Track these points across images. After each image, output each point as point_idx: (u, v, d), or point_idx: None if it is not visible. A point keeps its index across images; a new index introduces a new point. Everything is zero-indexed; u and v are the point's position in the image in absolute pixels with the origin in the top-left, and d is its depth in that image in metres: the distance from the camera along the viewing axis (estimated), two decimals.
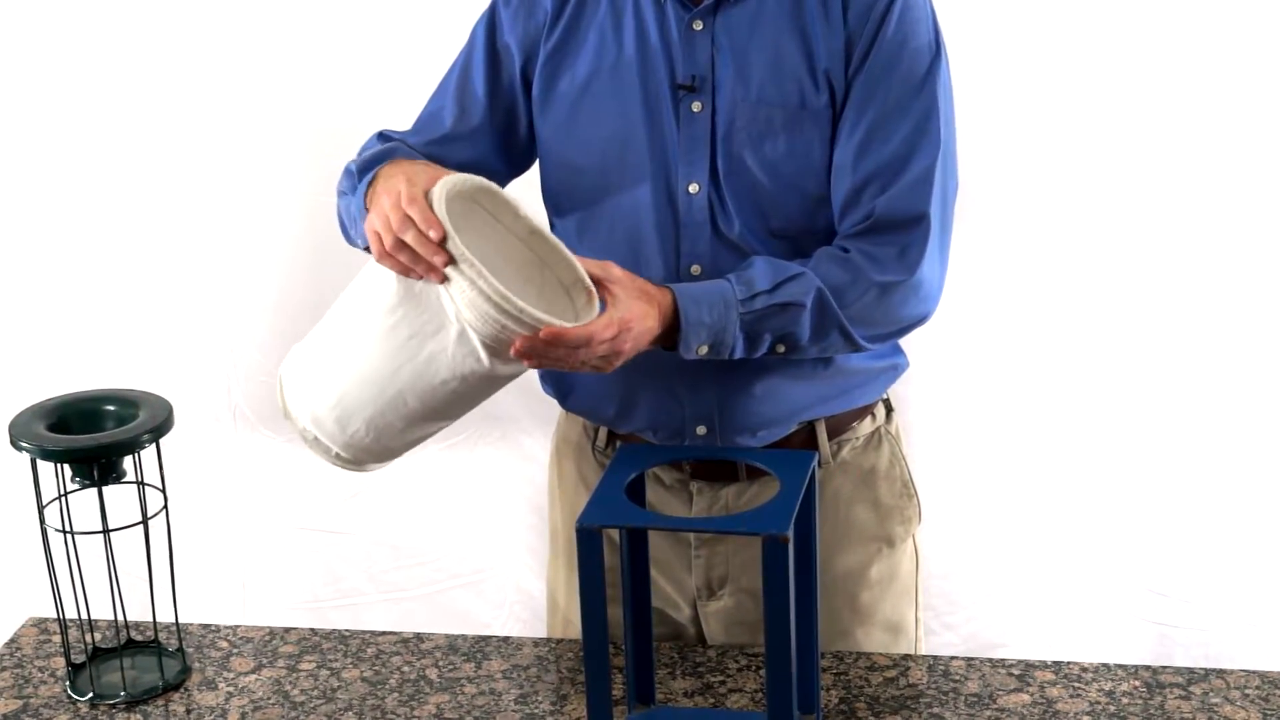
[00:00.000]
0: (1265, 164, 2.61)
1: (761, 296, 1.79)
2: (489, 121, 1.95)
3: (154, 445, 1.85)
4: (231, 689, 1.91)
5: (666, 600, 2.04)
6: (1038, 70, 2.61)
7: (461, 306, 1.65)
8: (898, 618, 2.06)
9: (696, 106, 1.84)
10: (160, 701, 1.89)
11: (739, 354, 1.81)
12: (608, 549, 1.63)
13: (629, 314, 1.71)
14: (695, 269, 1.87)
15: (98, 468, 1.83)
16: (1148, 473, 2.76)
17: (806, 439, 1.97)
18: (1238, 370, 2.71)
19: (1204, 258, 2.67)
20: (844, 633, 2.01)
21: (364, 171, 1.82)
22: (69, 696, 1.90)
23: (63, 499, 1.87)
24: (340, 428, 1.77)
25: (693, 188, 1.86)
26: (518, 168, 2.00)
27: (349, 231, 1.89)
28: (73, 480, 1.85)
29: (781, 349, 1.83)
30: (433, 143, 1.94)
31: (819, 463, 1.97)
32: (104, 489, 1.85)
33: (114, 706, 1.88)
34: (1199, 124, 2.61)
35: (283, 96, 2.73)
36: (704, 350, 1.79)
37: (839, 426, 1.99)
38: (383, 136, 1.95)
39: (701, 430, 1.91)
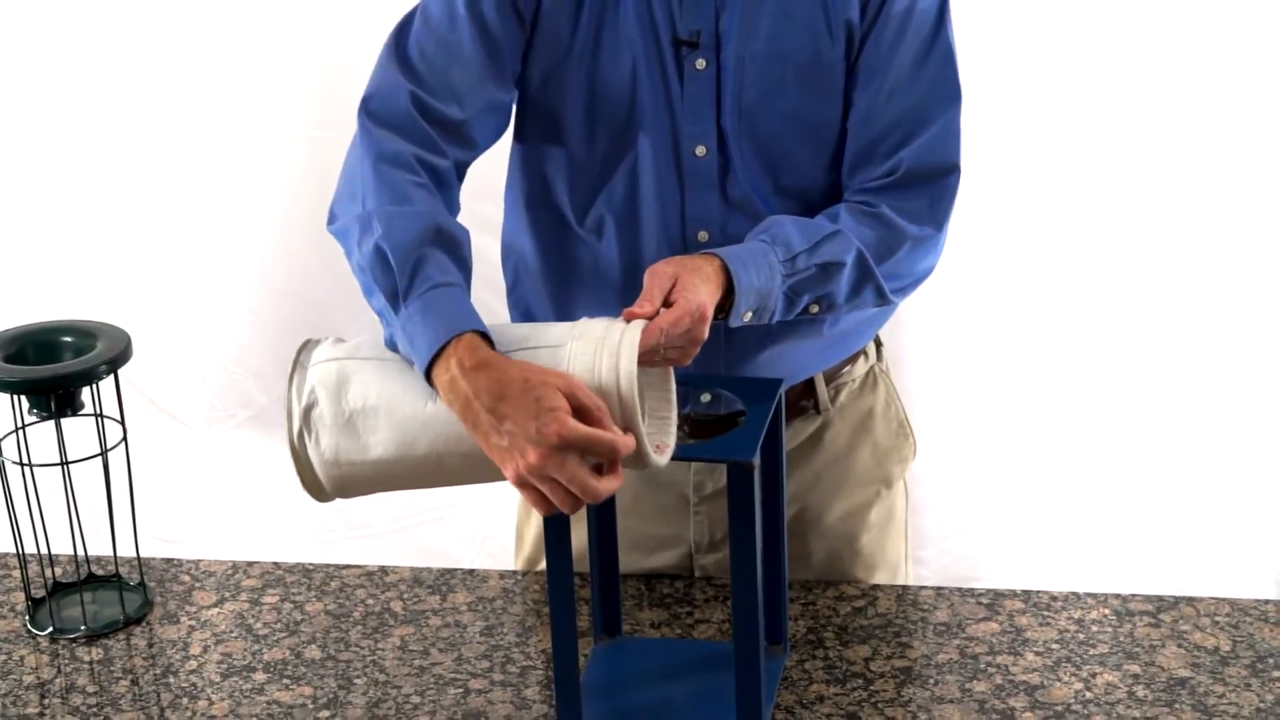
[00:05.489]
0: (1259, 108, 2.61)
1: (802, 257, 1.72)
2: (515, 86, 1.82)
3: (112, 376, 1.83)
4: (194, 622, 1.89)
5: (659, 559, 1.98)
6: (1042, 39, 2.60)
7: None
8: (895, 557, 2.04)
9: (700, 64, 1.78)
10: (121, 635, 1.88)
11: (778, 317, 1.75)
12: None
13: (705, 301, 1.61)
14: (702, 235, 1.81)
15: (55, 399, 1.80)
16: (1120, 401, 2.76)
17: (804, 390, 1.93)
18: (1208, 311, 2.72)
19: (1180, 205, 2.67)
20: (845, 578, 1.98)
21: (412, 285, 1.61)
22: (29, 631, 1.89)
23: (20, 431, 1.85)
24: (354, 479, 1.57)
25: (700, 150, 1.79)
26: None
27: (362, 289, 1.70)
28: (30, 412, 1.83)
29: (816, 309, 1.78)
30: (460, 123, 1.77)
31: (817, 409, 1.95)
32: (62, 421, 1.83)
33: (75, 640, 1.87)
34: (1187, 76, 2.60)
35: (272, 68, 2.70)
36: (748, 317, 1.71)
37: (834, 372, 1.95)
38: (416, 159, 1.73)
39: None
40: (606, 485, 1.47)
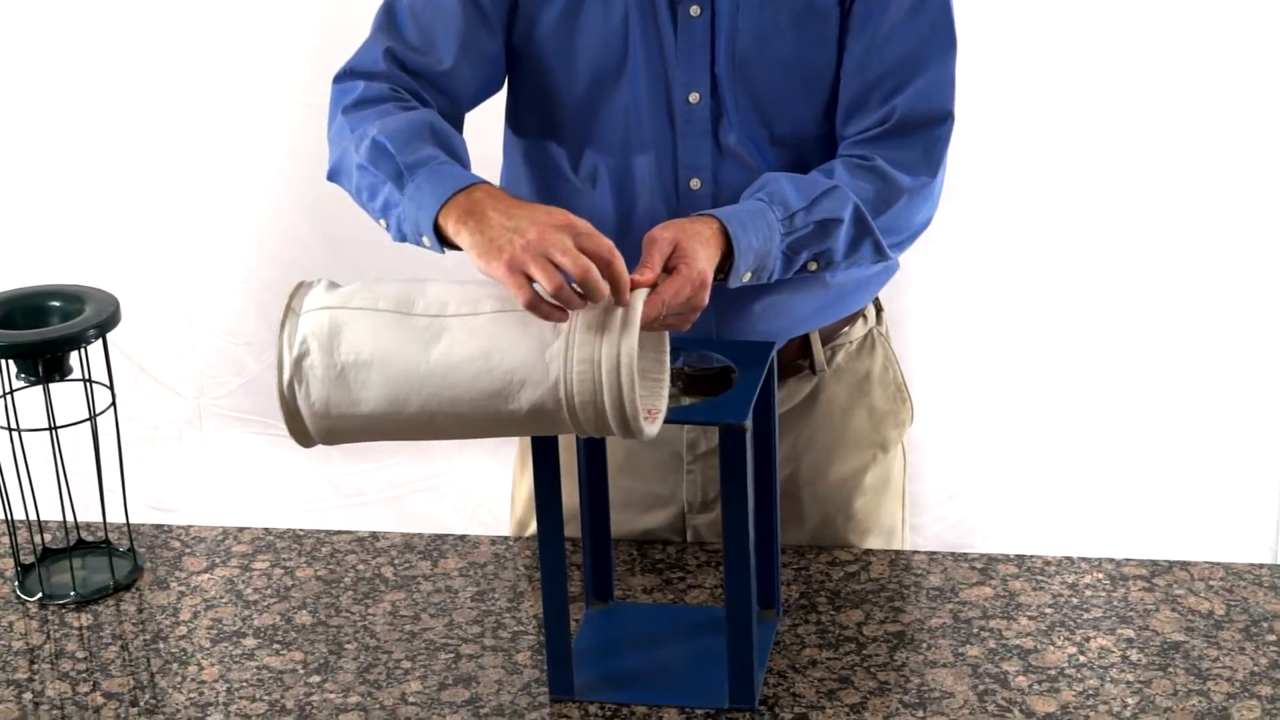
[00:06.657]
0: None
1: (800, 214, 1.71)
2: (505, 35, 1.82)
3: (100, 341, 1.82)
4: (184, 588, 1.89)
5: (652, 518, 1.98)
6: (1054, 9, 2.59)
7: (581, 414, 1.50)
8: (891, 522, 2.03)
9: (694, 10, 1.77)
10: (111, 601, 1.87)
11: (776, 276, 1.73)
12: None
13: (706, 268, 1.61)
14: (695, 183, 1.81)
15: (43, 364, 1.79)
16: (1116, 368, 2.76)
17: (800, 348, 1.92)
18: (1204, 281, 2.72)
19: (1173, 181, 2.68)
20: (839, 541, 1.97)
21: (416, 162, 1.65)
22: (18, 597, 1.88)
23: (8, 396, 1.83)
24: (342, 430, 1.55)
25: (693, 97, 1.78)
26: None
27: (365, 204, 1.73)
28: (18, 377, 1.81)
29: (814, 266, 1.76)
30: (442, 74, 1.79)
31: (813, 369, 1.94)
32: (51, 386, 1.81)
33: (64, 606, 1.86)
34: (1195, 54, 2.60)
35: (264, 34, 2.69)
36: (748, 277, 1.69)
37: (832, 332, 1.94)
38: (394, 93, 1.76)
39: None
40: (596, 275, 1.47)
